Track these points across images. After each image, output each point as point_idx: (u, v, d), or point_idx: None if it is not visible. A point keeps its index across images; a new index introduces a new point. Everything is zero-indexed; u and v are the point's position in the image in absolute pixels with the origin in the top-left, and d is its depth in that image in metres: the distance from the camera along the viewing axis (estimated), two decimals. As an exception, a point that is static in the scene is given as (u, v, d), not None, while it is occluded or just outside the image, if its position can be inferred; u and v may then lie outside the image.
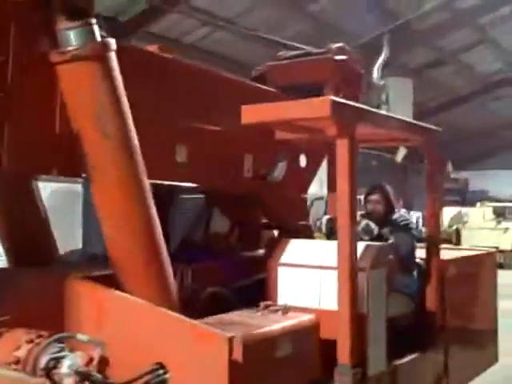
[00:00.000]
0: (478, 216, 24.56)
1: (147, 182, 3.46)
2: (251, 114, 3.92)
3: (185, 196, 5.16)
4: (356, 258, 3.81)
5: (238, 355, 3.07)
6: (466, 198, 31.66)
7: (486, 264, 6.00)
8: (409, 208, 27.43)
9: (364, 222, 4.56)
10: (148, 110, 3.87)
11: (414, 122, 4.65)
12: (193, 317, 3.70)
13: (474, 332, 5.55)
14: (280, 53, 5.76)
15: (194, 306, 4.06)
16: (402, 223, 4.82)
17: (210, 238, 4.99)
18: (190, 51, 16.58)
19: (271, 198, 4.94)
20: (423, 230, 23.77)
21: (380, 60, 19.85)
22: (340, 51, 5.42)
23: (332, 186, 5.52)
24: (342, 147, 3.81)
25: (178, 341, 3.04)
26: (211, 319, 3.53)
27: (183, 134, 4.18)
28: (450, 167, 32.73)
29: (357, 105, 3.96)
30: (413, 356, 4.50)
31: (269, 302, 3.88)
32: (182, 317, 3.05)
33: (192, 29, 16.37)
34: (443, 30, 19.62)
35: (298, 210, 5.24)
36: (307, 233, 5.15)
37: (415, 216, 26.24)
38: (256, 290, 4.28)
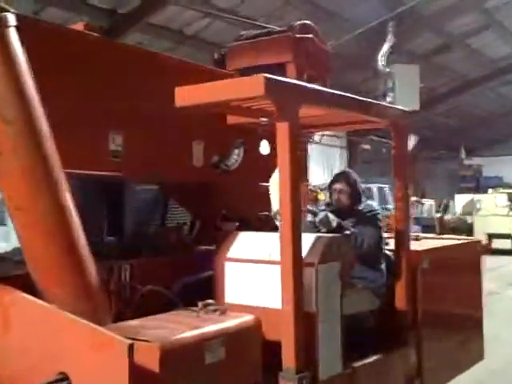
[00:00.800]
0: (491, 203, 23.97)
1: (60, 172, 3.13)
2: (185, 95, 3.59)
3: (140, 187, 4.84)
4: (301, 251, 3.46)
5: (154, 363, 2.78)
6: (480, 184, 31.03)
7: (469, 254, 5.60)
8: (421, 196, 27.02)
9: (322, 214, 4.19)
10: (72, 94, 3.57)
11: (378, 102, 4.27)
12: (126, 317, 3.44)
13: (454, 328, 5.16)
14: (242, 32, 5.40)
15: (130, 305, 3.77)
16: (368, 214, 4.44)
17: (164, 231, 4.66)
18: (192, 42, 16.29)
19: (227, 187, 4.61)
20: (435, 217, 23.21)
21: (385, 47, 19.42)
22: (304, 29, 5.04)
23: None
24: (281, 131, 3.45)
25: (81, 347, 2.73)
26: (135, 322, 3.21)
27: (117, 121, 3.86)
28: (463, 153, 32.16)
29: (300, 83, 3.59)
30: (377, 357, 4.14)
31: (208, 301, 3.53)
32: (84, 321, 2.73)
33: (193, 20, 16.02)
34: (449, 14, 19.04)
35: (259, 201, 4.88)
36: (269, 224, 4.80)
37: (428, 204, 25.82)
38: (207, 288, 3.98)
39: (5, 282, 3.10)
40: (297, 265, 3.41)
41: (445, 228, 22.32)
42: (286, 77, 4.93)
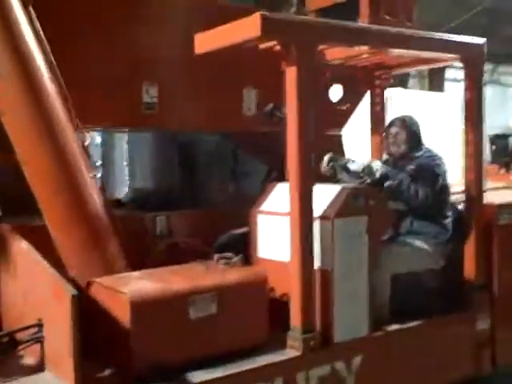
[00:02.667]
0: None
1: (66, 126, 3.21)
2: (203, 42, 3.47)
3: (208, 138, 4.83)
4: (311, 203, 3.24)
5: (124, 313, 2.81)
6: None
7: None
8: None
9: (366, 163, 3.82)
10: (97, 44, 3.63)
11: (433, 36, 3.75)
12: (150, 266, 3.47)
13: None
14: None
15: (159, 255, 3.83)
16: (426, 161, 3.96)
17: (220, 185, 4.62)
18: None
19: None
20: None
21: None
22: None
23: (373, 128, 4.79)
24: (289, 76, 3.21)
25: (48, 296, 2.85)
26: (135, 273, 3.23)
27: (151, 70, 3.84)
28: None
29: (312, 19, 3.29)
30: (426, 320, 3.77)
31: (226, 254, 3.46)
32: (50, 270, 2.83)
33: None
34: None
35: (328, 150, 4.60)
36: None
37: None
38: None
39: (20, 232, 3.27)
40: (304, 217, 3.22)
41: None
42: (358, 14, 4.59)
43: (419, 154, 4.02)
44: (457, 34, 3.81)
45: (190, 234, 4.00)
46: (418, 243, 3.91)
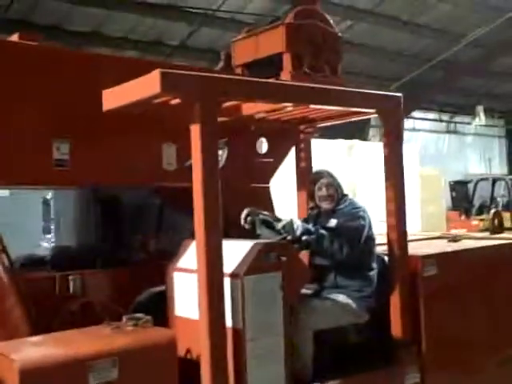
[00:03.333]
0: None
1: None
2: (110, 98, 3.41)
3: (133, 193, 4.72)
4: (219, 260, 3.13)
5: (14, 382, 2.66)
6: None
7: (503, 259, 4.71)
8: None
9: (286, 220, 3.74)
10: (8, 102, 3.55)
11: (348, 89, 3.75)
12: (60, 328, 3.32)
13: (480, 347, 4.39)
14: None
15: (70, 316, 3.68)
16: (349, 214, 3.90)
17: (141, 241, 4.50)
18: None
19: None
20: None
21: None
22: (302, 14, 4.62)
23: (300, 183, 4.72)
24: (193, 133, 3.15)
25: None
26: (35, 338, 3.10)
27: (62, 126, 3.75)
28: None
29: (215, 76, 3.24)
30: (352, 378, 3.65)
31: (135, 315, 3.32)
32: None
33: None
34: None
35: (253, 203, 4.53)
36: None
37: None
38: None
39: None
40: (211, 274, 3.10)
41: None
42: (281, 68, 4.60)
43: (342, 206, 3.97)
44: (412, 86, 3.81)
45: (107, 293, 3.86)
46: (341, 298, 3.83)
